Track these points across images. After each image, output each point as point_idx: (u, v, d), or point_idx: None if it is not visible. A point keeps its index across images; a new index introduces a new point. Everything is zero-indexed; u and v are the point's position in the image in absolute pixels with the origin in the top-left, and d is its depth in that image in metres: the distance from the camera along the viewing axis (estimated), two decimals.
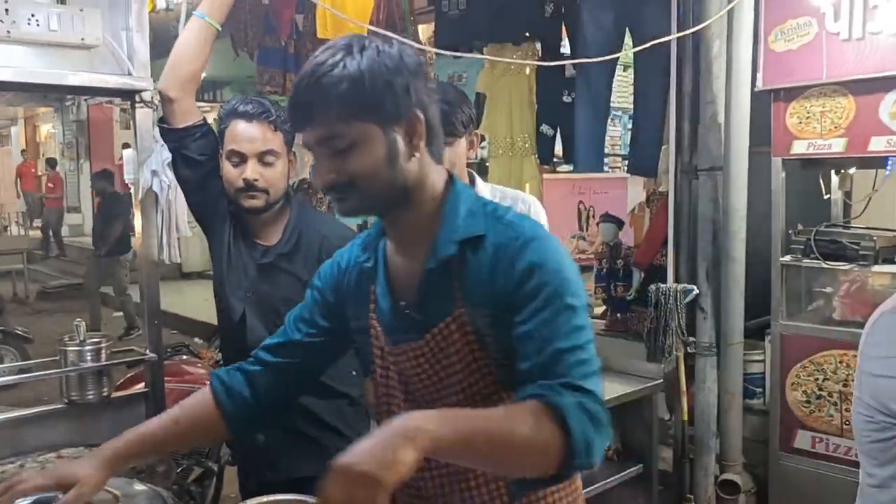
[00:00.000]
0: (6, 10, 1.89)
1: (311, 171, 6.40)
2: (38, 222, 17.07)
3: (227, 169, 1.92)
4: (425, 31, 5.70)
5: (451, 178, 1.33)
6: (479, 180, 2.10)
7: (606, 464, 2.88)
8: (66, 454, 1.97)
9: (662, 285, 3.42)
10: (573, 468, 1.10)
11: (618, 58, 3.87)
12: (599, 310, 4.94)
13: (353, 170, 1.19)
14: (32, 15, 1.92)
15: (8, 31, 1.89)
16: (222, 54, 7.90)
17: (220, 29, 1.99)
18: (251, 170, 1.89)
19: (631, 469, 2.89)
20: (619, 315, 4.56)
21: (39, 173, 17.72)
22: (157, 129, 2.05)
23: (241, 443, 2.08)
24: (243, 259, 1.98)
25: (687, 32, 3.26)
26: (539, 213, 2.10)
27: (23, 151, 18.04)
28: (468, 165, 2.06)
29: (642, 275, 4.38)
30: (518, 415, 1.08)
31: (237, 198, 1.92)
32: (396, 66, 1.19)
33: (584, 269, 6.06)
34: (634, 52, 3.71)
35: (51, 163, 16.27)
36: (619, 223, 4.71)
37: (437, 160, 1.29)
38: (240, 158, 1.90)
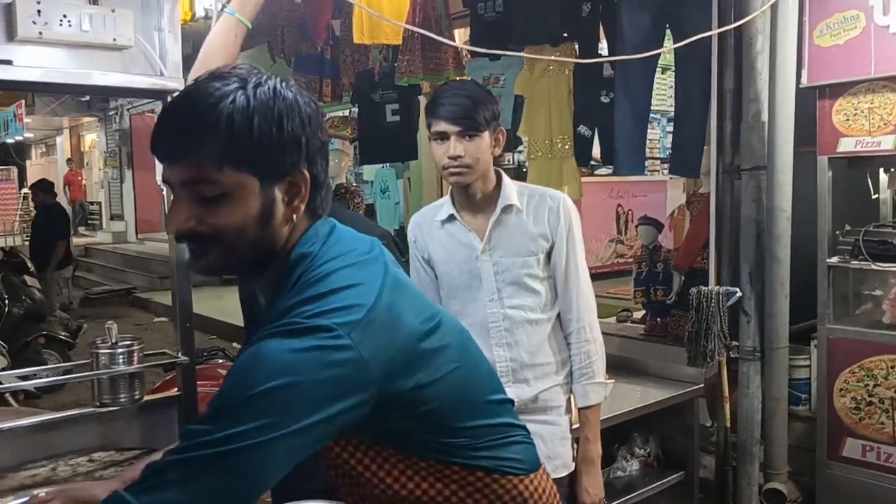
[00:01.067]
0: (38, 11, 1.89)
1: (330, 173, 6.39)
2: (84, 230, 17.44)
3: None
4: (462, 35, 5.67)
5: (306, 233, 1.13)
6: (505, 178, 2.05)
7: (646, 470, 2.81)
8: (98, 457, 1.97)
9: (704, 288, 3.33)
10: None
11: (658, 57, 3.79)
12: (639, 314, 4.87)
13: (218, 223, 1.03)
14: (65, 16, 1.93)
15: (40, 33, 1.90)
16: (259, 61, 8.00)
17: (249, 26, 1.97)
18: None
19: (671, 476, 2.80)
20: (658, 319, 4.49)
21: (84, 181, 18.10)
22: None
23: None
24: None
25: (729, 27, 3.17)
26: (569, 211, 2.04)
27: (69, 160, 18.43)
28: (504, 167, 2.03)
29: (682, 278, 4.29)
30: None
31: None
32: (289, 113, 1.04)
33: (623, 272, 6.00)
34: (675, 52, 3.63)
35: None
36: (659, 225, 4.62)
37: (314, 216, 1.13)
38: None
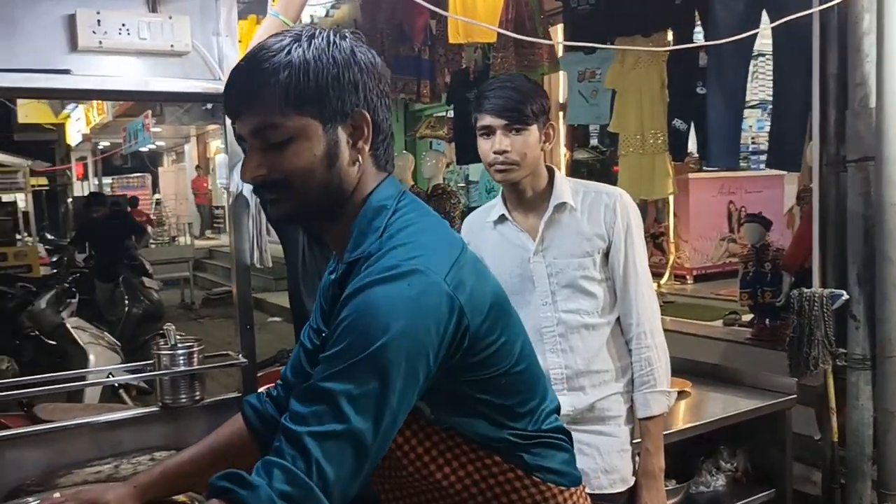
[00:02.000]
0: (98, 21, 1.94)
1: (427, 173, 6.37)
2: (209, 233, 18.33)
3: None
4: (556, 31, 5.56)
5: (377, 187, 1.17)
6: (558, 175, 1.95)
7: (733, 486, 2.61)
8: (159, 457, 2.00)
9: (807, 290, 3.08)
10: None
11: (753, 42, 3.55)
12: (747, 317, 4.61)
13: (287, 167, 1.09)
14: (123, 24, 1.97)
15: (100, 42, 1.95)
16: None
17: (293, 26, 1.97)
18: None
19: (761, 493, 2.59)
20: (767, 323, 4.23)
21: (209, 187, 19.00)
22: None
23: None
24: (318, 262, 1.93)
25: (831, 4, 2.91)
26: (627, 208, 1.91)
27: (197, 167, 19.41)
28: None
29: (792, 279, 4.02)
30: None
31: None
32: (346, 60, 1.09)
33: (735, 273, 5.69)
34: (773, 35, 3.40)
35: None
36: (766, 223, 4.33)
37: (380, 167, 1.18)
38: None
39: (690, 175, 6.71)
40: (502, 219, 1.98)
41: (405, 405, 1.02)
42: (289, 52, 1.07)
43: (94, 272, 6.98)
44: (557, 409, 1.29)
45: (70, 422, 2.05)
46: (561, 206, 1.91)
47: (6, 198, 11.42)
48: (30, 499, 1.44)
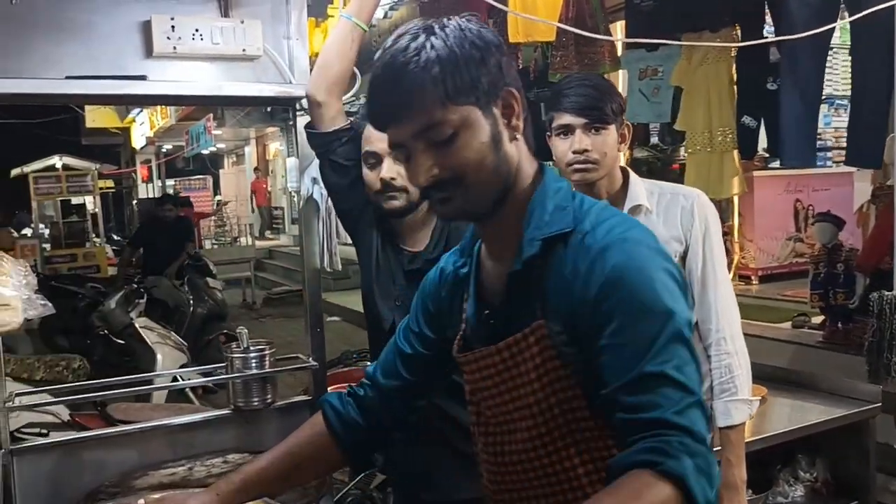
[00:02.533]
0: (172, 27, 1.96)
1: None
2: (269, 234, 18.62)
3: (365, 172, 1.86)
4: (618, 28, 5.47)
5: (541, 168, 1.19)
6: (633, 176, 1.90)
7: (812, 497, 2.51)
8: (232, 459, 2.02)
9: (887, 293, 2.95)
10: None
11: (830, 36, 3.42)
12: (818, 319, 4.46)
13: (458, 161, 1.08)
14: (197, 30, 1.99)
15: (174, 48, 1.97)
16: None
17: (366, 30, 1.96)
18: (387, 169, 1.81)
19: None
20: (839, 325, 4.09)
21: (269, 188, 19.30)
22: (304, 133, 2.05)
23: (394, 461, 2.01)
24: (391, 266, 1.91)
25: None
26: (705, 210, 1.85)
27: (256, 169, 19.72)
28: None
29: (867, 280, 3.87)
30: (635, 498, 0.92)
31: (377, 201, 1.85)
32: (484, 43, 1.09)
33: (802, 273, 5.51)
34: (851, 28, 3.27)
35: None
36: (838, 222, 4.18)
37: (528, 145, 1.17)
38: (375, 159, 1.84)
39: (755, 173, 6.54)
40: None
41: None
42: (432, 47, 1.06)
43: (149, 270, 7.09)
44: None
45: (145, 424, 2.08)
46: (636, 209, 1.86)
47: (76, 200, 11.78)
48: (111, 502, 1.46)
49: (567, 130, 1.82)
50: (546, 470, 1.14)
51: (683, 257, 1.86)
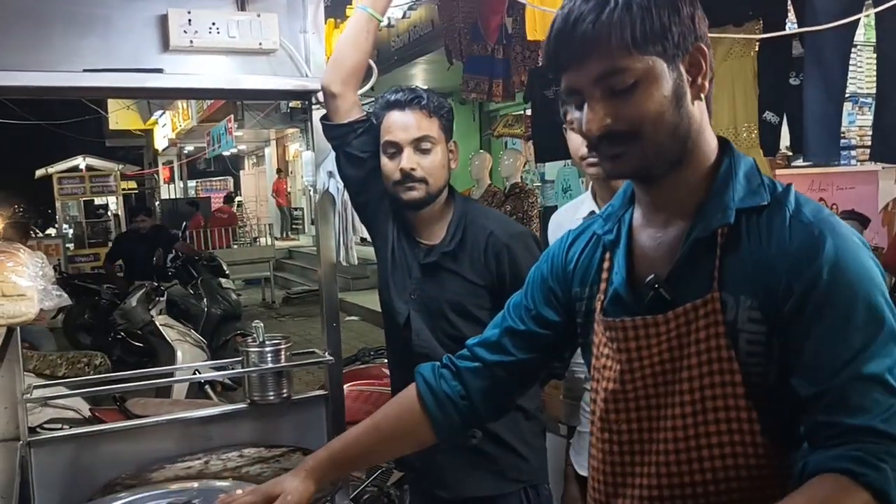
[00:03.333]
0: (189, 20, 1.96)
1: (504, 172, 6.30)
2: (291, 234, 18.72)
3: (384, 163, 1.85)
4: None
5: (722, 140, 1.12)
6: None
7: None
8: (248, 453, 2.01)
9: None
10: None
11: (854, 30, 3.36)
12: None
13: (636, 114, 1.01)
14: (213, 23, 1.98)
15: (191, 41, 1.96)
16: (439, 65, 8.14)
17: (381, 20, 1.94)
18: (407, 159, 1.80)
19: None
20: None
21: (289, 189, 19.39)
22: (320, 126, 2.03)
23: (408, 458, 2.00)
24: (407, 259, 1.90)
25: None
26: None
27: (278, 170, 19.83)
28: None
29: (892, 279, 3.81)
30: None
31: (396, 192, 1.84)
32: None
33: None
34: (877, 21, 3.21)
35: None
36: (863, 220, 4.13)
37: (711, 112, 1.10)
38: (395, 149, 1.83)
39: (778, 171, 6.43)
40: (592, 215, 1.90)
41: None
42: None
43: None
44: None
45: (162, 417, 2.08)
46: None
47: (99, 201, 11.91)
48: (125, 493, 1.46)
49: None
50: (690, 457, 1.06)
51: None
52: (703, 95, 1.06)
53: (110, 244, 11.30)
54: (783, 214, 1.02)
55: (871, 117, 3.58)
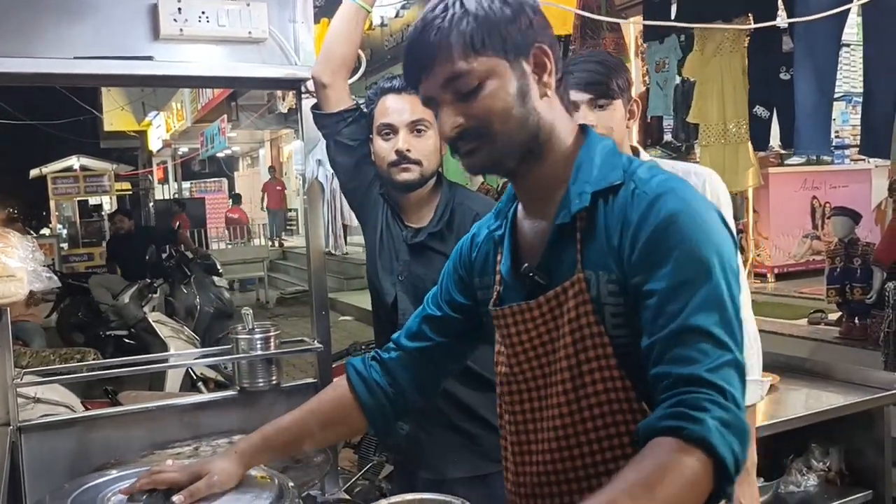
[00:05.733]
0: (179, 9, 1.97)
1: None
2: (284, 236, 18.67)
3: (379, 144, 1.88)
4: (630, 26, 5.46)
5: (583, 128, 1.19)
6: (643, 153, 1.88)
7: (826, 487, 2.48)
8: (238, 440, 2.01)
9: None
10: (723, 495, 0.94)
11: (844, 23, 3.38)
12: (834, 315, 4.41)
13: (483, 111, 1.09)
14: (203, 12, 2.00)
15: (181, 29, 1.98)
16: None
17: (370, 11, 1.96)
18: (403, 140, 1.84)
19: (856, 495, 2.45)
20: (856, 321, 4.03)
21: (284, 190, 19.30)
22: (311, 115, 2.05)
23: (393, 440, 2.01)
24: (395, 242, 1.92)
25: None
26: (716, 189, 1.83)
27: (271, 168, 19.75)
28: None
29: (884, 274, 3.81)
30: (660, 474, 0.90)
31: (390, 173, 1.86)
32: (517, 2, 1.10)
33: (818, 271, 5.46)
34: (863, 19, 3.24)
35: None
36: (855, 216, 4.12)
37: (565, 106, 1.18)
38: (391, 130, 1.86)
39: (771, 169, 6.47)
40: None
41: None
42: (461, 5, 1.08)
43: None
44: None
45: (151, 404, 2.08)
46: None
47: (93, 201, 11.89)
48: (114, 471, 1.46)
49: (573, 107, 1.81)
50: (577, 430, 1.13)
51: None
52: (549, 92, 1.12)
53: (104, 243, 11.33)
54: (629, 188, 1.09)
55: None
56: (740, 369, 0.98)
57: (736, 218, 6.88)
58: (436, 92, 1.12)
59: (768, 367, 2.74)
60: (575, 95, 1.80)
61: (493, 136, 1.10)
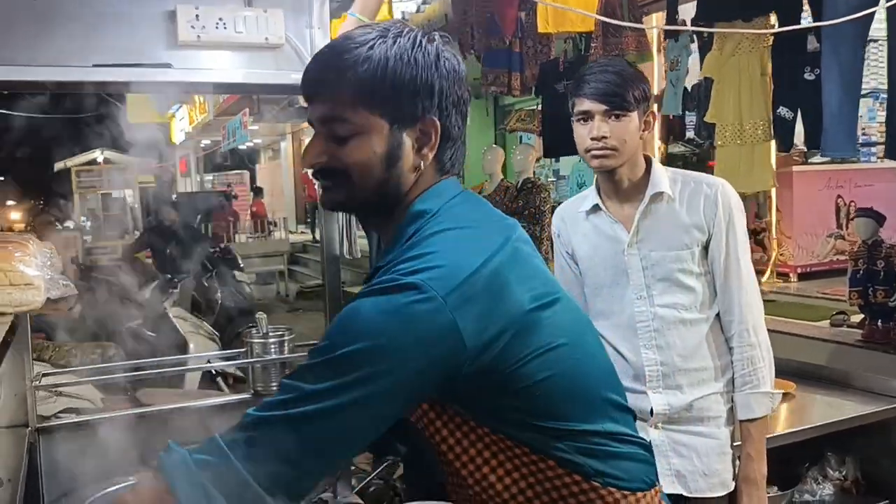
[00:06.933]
0: (196, 16, 1.98)
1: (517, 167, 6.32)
2: (302, 228, 18.74)
3: None
4: (659, 19, 5.42)
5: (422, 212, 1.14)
6: (656, 164, 1.87)
7: (841, 497, 2.46)
8: None
9: None
10: None
11: (870, 20, 3.33)
12: (857, 317, 4.36)
13: (346, 160, 1.09)
14: (220, 19, 2.01)
15: (198, 36, 1.99)
16: None
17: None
18: None
19: None
20: (879, 324, 3.98)
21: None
22: None
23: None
24: None
25: None
26: (729, 199, 1.82)
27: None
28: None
29: None
30: None
31: None
32: (428, 63, 1.08)
33: (842, 271, 5.40)
34: (888, 18, 3.19)
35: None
36: (879, 218, 4.06)
37: (442, 171, 1.16)
38: None
39: (794, 168, 6.40)
40: (595, 209, 1.92)
41: (365, 418, 0.99)
42: (371, 47, 1.06)
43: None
44: (627, 409, 1.20)
45: (167, 406, 2.11)
46: (658, 196, 1.83)
47: (116, 194, 12.01)
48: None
49: (587, 116, 1.80)
50: (462, 472, 1.16)
51: (706, 247, 1.83)
52: (423, 164, 1.11)
53: (129, 236, 11.43)
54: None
55: None
56: (290, 436, 0.97)
57: (759, 216, 6.84)
58: (314, 120, 1.12)
59: (786, 374, 2.72)
60: (589, 105, 1.79)
61: (348, 183, 1.11)
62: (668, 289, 1.82)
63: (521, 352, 1.04)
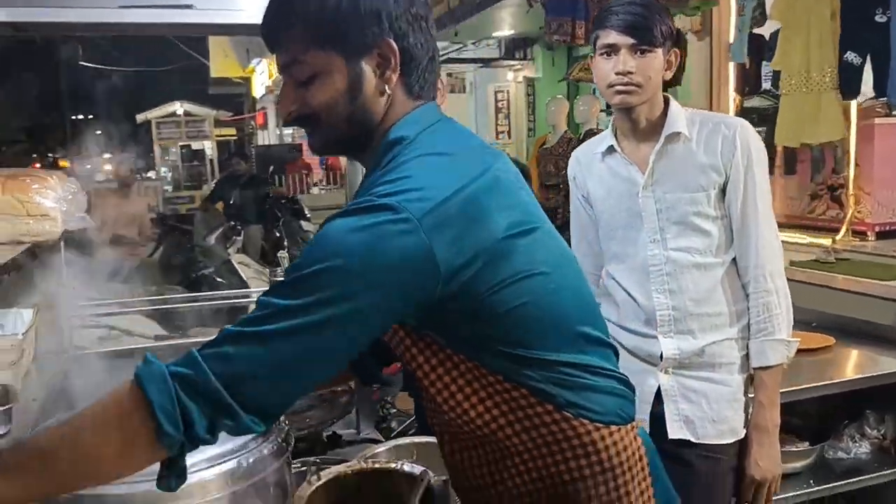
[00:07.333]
0: None
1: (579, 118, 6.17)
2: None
3: None
4: None
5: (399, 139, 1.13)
6: (673, 104, 1.80)
7: (879, 456, 2.37)
8: None
9: None
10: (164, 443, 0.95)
11: None
12: None
13: (312, 102, 1.11)
14: None
15: None
16: (521, 8, 7.96)
17: None
18: None
19: None
20: None
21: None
22: None
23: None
24: None
25: None
26: (748, 140, 1.74)
27: None
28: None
29: None
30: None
31: None
32: None
33: None
34: None
35: None
36: None
37: (413, 95, 1.14)
38: None
39: (877, 120, 6.04)
40: (611, 150, 1.87)
41: (337, 338, 0.98)
42: None
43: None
44: (607, 343, 1.19)
45: (199, 339, 2.19)
46: (674, 136, 1.77)
47: (195, 146, 12.37)
48: None
49: (612, 50, 1.74)
50: (437, 399, 1.16)
51: (723, 189, 1.76)
52: (389, 88, 1.11)
53: (206, 187, 11.79)
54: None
55: None
56: (266, 352, 0.96)
57: (836, 172, 6.52)
58: (280, 69, 1.13)
59: (825, 328, 2.63)
60: (616, 38, 1.73)
61: (321, 125, 1.12)
62: (683, 232, 1.77)
63: (495, 278, 1.04)
